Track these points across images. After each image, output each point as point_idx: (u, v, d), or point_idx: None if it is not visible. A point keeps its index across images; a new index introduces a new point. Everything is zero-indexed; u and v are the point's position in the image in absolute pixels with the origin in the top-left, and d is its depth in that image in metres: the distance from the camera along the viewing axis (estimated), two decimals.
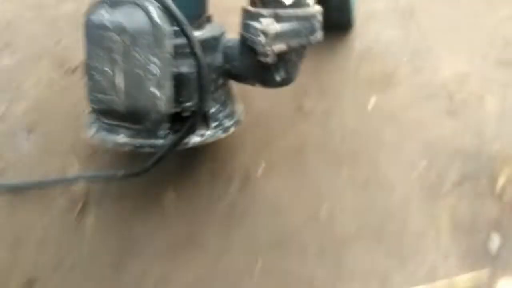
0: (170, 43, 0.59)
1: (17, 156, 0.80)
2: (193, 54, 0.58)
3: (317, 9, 0.64)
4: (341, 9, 0.90)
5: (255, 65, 0.65)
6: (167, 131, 0.65)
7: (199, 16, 0.68)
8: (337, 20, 0.91)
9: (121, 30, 0.56)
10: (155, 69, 0.57)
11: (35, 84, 0.85)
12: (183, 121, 0.64)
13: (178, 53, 0.61)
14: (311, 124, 0.87)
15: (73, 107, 0.84)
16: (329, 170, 0.84)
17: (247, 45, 0.64)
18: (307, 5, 0.63)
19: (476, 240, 0.77)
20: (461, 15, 0.97)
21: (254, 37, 0.61)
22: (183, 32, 0.58)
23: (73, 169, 0.80)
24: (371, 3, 0.97)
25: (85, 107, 0.67)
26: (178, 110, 0.65)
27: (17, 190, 0.77)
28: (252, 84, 0.69)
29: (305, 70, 0.91)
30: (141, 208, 0.80)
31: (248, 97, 0.89)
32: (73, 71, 0.87)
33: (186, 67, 0.63)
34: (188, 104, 0.65)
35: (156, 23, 0.56)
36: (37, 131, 0.82)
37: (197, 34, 0.63)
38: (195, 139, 0.66)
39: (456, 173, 0.84)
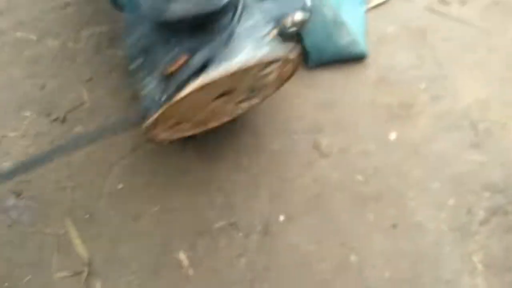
0: None
1: (7, 224, 0.70)
2: None
3: None
4: (352, 45, 0.86)
5: None
6: None
7: None
8: (351, 54, 0.87)
9: None
10: None
11: (20, 139, 0.75)
12: None
13: None
14: (329, 164, 0.81)
15: (65, 164, 0.74)
16: (354, 214, 0.78)
17: None
18: None
19: (510, 278, 0.74)
20: (474, 35, 0.93)
21: None
22: None
23: (71, 235, 0.70)
24: (381, 27, 0.91)
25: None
26: None
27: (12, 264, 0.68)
28: None
29: (318, 104, 0.85)
30: (154, 273, 0.71)
31: (261, 137, 0.81)
32: (63, 120, 0.77)
33: None
34: None
35: None
36: (26, 194, 0.71)
37: None
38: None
39: (484, 209, 0.80)
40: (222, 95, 0.66)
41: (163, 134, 0.68)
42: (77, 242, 0.70)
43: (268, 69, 0.66)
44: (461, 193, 0.80)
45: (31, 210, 0.71)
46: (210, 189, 0.76)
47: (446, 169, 0.82)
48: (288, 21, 0.65)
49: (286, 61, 0.66)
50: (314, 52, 0.85)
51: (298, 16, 0.64)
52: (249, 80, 0.66)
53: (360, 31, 0.89)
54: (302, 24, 0.66)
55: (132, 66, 0.64)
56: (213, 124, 0.75)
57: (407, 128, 0.84)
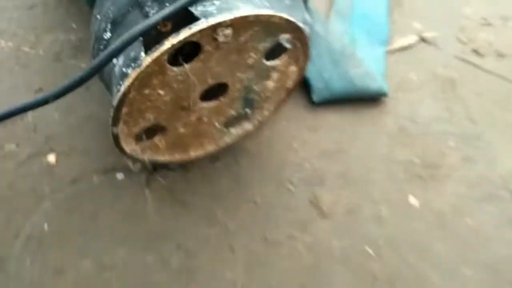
0: None
1: None
2: None
3: None
4: (365, 77, 0.72)
5: None
6: None
7: None
8: (365, 89, 0.71)
9: None
10: None
11: None
12: None
13: None
14: (331, 227, 0.63)
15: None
16: None
17: None
18: None
19: None
20: (510, 90, 0.78)
21: None
22: None
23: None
24: (403, 73, 0.77)
25: None
26: None
27: None
28: None
29: (322, 151, 0.68)
30: None
31: (245, 183, 0.64)
32: None
33: None
34: None
35: None
36: None
37: None
38: None
39: None
40: (212, 94, 0.54)
41: (130, 146, 0.53)
42: None
43: (273, 62, 0.55)
44: (499, 284, 0.61)
45: None
46: (166, 244, 0.57)
47: (481, 250, 0.63)
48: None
49: (293, 54, 0.55)
50: (319, 82, 0.70)
51: None
52: (249, 73, 0.54)
53: (378, 70, 0.74)
54: None
55: (97, 45, 0.52)
56: (193, 151, 0.61)
57: (431, 193, 0.66)
